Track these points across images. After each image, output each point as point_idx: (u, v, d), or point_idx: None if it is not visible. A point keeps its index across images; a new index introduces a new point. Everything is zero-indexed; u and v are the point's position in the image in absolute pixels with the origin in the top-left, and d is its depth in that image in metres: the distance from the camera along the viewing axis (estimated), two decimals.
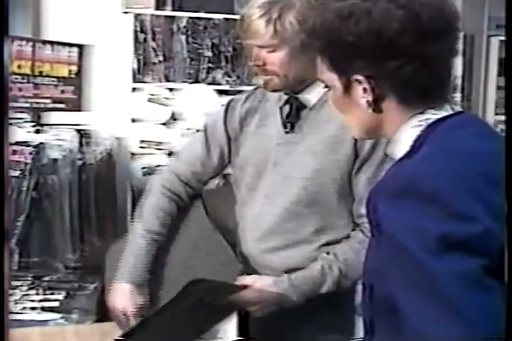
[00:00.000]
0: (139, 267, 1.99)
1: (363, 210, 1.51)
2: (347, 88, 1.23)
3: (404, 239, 1.05)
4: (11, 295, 2.49)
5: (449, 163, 1.10)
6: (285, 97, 1.96)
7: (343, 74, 1.22)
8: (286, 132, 1.97)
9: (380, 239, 1.14)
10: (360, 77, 1.19)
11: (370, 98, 1.21)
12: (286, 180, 1.97)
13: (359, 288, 1.91)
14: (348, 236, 1.94)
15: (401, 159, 1.21)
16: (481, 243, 1.03)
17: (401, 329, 1.04)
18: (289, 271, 1.97)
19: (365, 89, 1.20)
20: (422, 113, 1.22)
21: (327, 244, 1.95)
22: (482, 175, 1.09)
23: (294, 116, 1.96)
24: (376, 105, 1.22)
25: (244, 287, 1.84)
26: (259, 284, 1.85)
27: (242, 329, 2.11)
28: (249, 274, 2.07)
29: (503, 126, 1.28)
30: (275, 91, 1.93)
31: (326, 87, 1.30)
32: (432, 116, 1.21)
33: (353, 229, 1.94)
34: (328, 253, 1.91)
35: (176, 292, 1.71)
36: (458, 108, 1.25)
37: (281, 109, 1.98)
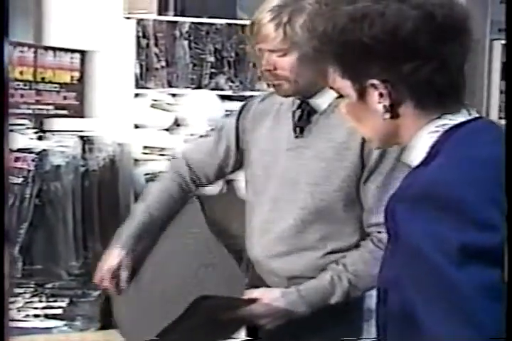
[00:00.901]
0: (133, 236, 2.03)
1: (374, 220, 1.51)
2: (361, 95, 1.21)
3: (423, 247, 1.03)
4: (13, 302, 2.48)
5: (468, 170, 1.09)
6: (298, 102, 1.96)
7: (357, 80, 1.20)
8: (296, 136, 1.97)
9: (397, 246, 1.13)
10: (376, 82, 1.17)
11: (386, 103, 1.19)
12: (293, 185, 1.96)
13: (368, 295, 1.91)
14: (357, 246, 1.92)
15: (418, 166, 1.19)
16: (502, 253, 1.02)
17: (416, 338, 1.03)
18: (293, 277, 1.96)
19: (381, 94, 1.18)
20: (439, 118, 1.20)
21: (332, 252, 1.94)
22: (500, 182, 1.08)
23: (304, 120, 1.96)
24: (393, 110, 1.20)
25: (253, 301, 1.82)
26: (267, 297, 1.83)
27: (251, 330, 2.10)
28: (254, 281, 2.06)
29: None
30: (286, 96, 1.93)
31: (339, 96, 1.29)
32: (449, 121, 1.19)
33: (363, 239, 1.92)
34: (337, 263, 1.90)
35: (184, 308, 1.71)
36: (474, 113, 1.24)
37: (293, 113, 1.98)
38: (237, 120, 2.14)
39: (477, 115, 1.23)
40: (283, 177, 1.98)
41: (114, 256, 2.01)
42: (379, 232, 1.75)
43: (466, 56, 1.22)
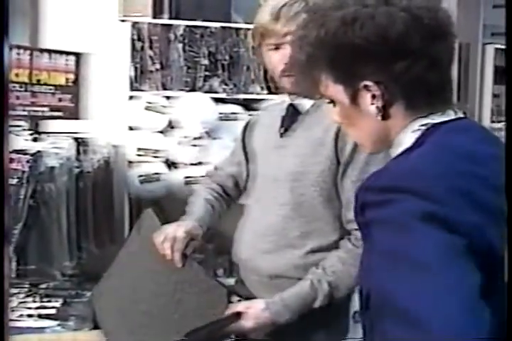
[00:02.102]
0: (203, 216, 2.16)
1: (351, 215, 1.52)
2: (354, 98, 1.25)
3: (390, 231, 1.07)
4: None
5: (445, 161, 1.13)
6: (286, 105, 2.02)
7: (350, 83, 1.24)
8: (281, 136, 2.03)
9: (369, 240, 1.15)
10: (369, 83, 1.22)
11: (379, 104, 1.23)
12: (274, 182, 2.01)
13: (355, 296, 1.93)
14: (336, 247, 1.95)
15: (396, 157, 1.24)
16: (466, 234, 1.05)
17: (399, 332, 1.04)
18: (274, 276, 1.98)
19: (373, 96, 1.23)
20: (424, 117, 1.24)
21: (313, 251, 1.96)
22: (479, 178, 1.11)
23: (288, 121, 2.02)
24: (385, 111, 1.24)
25: (237, 315, 1.83)
26: (252, 311, 1.85)
27: None
28: (238, 283, 2.09)
29: (499, 134, 1.30)
30: (293, 93, 2.00)
31: (331, 102, 1.31)
32: (433, 121, 1.24)
33: (342, 238, 1.95)
34: (317, 267, 1.92)
35: (167, 329, 1.73)
36: (460, 114, 1.28)
37: (282, 117, 2.04)
38: (243, 134, 2.27)
39: (461, 115, 1.27)
40: (266, 175, 2.03)
41: (182, 224, 2.06)
42: (356, 229, 1.78)
43: (452, 57, 1.28)
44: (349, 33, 1.20)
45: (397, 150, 1.27)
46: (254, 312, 1.85)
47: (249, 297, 2.02)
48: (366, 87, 1.23)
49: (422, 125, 1.24)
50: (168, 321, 1.94)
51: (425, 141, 1.20)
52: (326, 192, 1.94)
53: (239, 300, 1.98)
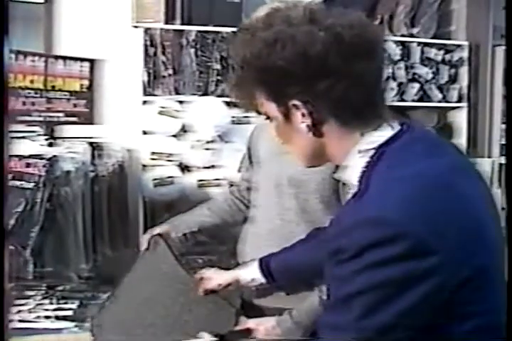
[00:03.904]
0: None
1: None
2: (286, 115, 1.26)
3: None
4: (25, 304, 2.53)
5: (401, 202, 1.11)
6: None
7: (281, 101, 1.25)
8: (282, 143, 2.05)
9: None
10: (297, 102, 1.23)
11: (309, 122, 1.24)
12: (278, 187, 2.03)
13: None
14: None
15: (353, 197, 1.21)
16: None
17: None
18: None
19: (303, 114, 1.23)
20: (363, 135, 1.24)
21: None
22: (437, 200, 1.11)
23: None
24: (316, 129, 1.25)
25: (248, 331, 1.85)
26: (263, 328, 1.86)
27: None
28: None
29: None
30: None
31: (267, 118, 1.32)
32: (377, 138, 1.24)
33: None
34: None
35: None
36: (396, 125, 1.27)
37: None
38: (249, 141, 2.33)
39: (398, 127, 1.26)
40: (269, 181, 2.06)
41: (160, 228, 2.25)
42: None
43: (381, 73, 1.28)
44: (271, 54, 1.20)
45: (347, 172, 1.28)
46: (264, 329, 1.86)
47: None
48: (295, 106, 1.23)
49: (368, 143, 1.23)
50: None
51: (375, 170, 1.20)
52: (326, 199, 1.97)
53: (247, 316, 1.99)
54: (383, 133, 1.24)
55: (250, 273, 1.94)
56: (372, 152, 1.23)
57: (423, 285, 1.06)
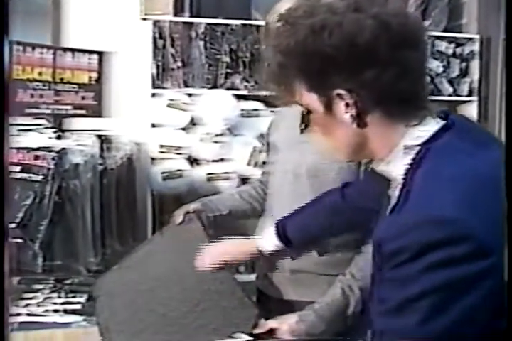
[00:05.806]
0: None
1: None
2: (328, 106, 1.24)
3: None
4: (32, 298, 2.53)
5: (460, 202, 1.10)
6: None
7: (323, 91, 1.23)
8: (301, 132, 2.03)
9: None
10: (341, 91, 1.21)
11: (353, 112, 1.22)
12: (295, 177, 2.02)
13: None
14: (357, 245, 1.94)
15: (397, 202, 1.18)
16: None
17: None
18: (295, 271, 1.99)
19: (347, 104, 1.22)
20: (408, 128, 1.22)
21: (333, 247, 1.97)
22: (491, 199, 1.07)
23: (308, 117, 2.03)
24: (360, 119, 1.23)
25: (270, 331, 1.82)
26: (286, 325, 1.83)
27: None
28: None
29: None
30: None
31: (307, 111, 1.31)
32: (421, 133, 1.22)
33: (364, 237, 1.93)
34: (344, 274, 1.91)
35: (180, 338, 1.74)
36: (439, 119, 1.25)
37: (303, 113, 2.05)
38: (268, 130, 2.35)
39: (443, 123, 1.24)
40: (286, 170, 2.04)
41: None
42: None
43: (425, 63, 1.27)
44: (318, 41, 1.19)
45: (390, 167, 1.26)
46: (288, 326, 1.83)
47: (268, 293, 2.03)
48: (339, 95, 1.21)
49: (412, 139, 1.22)
50: (184, 329, 1.91)
51: (421, 170, 1.18)
52: None
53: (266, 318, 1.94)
54: (428, 128, 1.23)
55: (269, 241, 1.89)
56: (417, 149, 1.21)
57: (484, 285, 1.05)
